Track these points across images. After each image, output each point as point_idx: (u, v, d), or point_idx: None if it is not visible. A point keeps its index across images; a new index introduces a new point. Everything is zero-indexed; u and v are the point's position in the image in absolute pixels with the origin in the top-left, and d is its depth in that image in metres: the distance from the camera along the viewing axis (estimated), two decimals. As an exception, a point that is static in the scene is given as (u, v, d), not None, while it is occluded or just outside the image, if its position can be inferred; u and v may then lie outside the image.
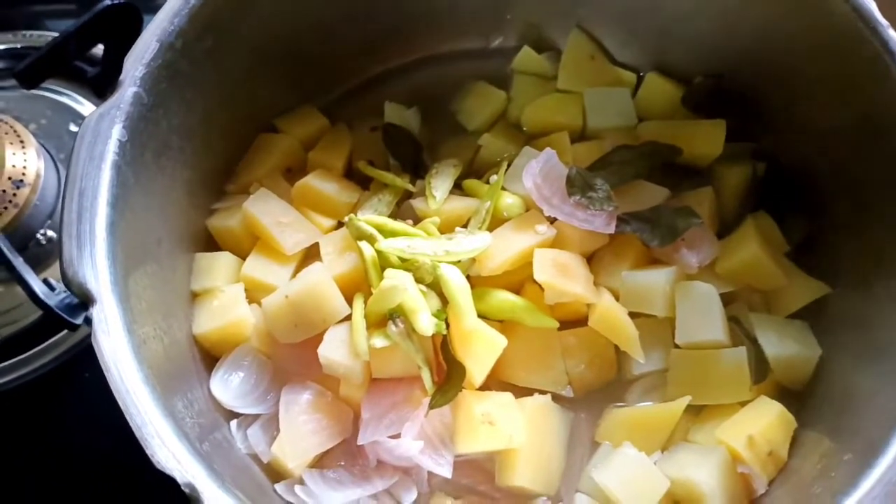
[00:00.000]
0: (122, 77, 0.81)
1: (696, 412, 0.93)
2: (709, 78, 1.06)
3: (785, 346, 0.93)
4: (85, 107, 1.25)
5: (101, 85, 0.84)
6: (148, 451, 0.68)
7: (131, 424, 0.68)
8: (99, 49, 1.15)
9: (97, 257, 0.74)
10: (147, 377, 0.72)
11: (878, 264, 0.88)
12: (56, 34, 1.05)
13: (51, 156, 1.15)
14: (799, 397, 0.93)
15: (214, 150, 0.99)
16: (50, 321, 0.98)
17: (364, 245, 0.92)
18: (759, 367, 0.92)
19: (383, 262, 0.92)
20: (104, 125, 0.78)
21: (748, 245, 0.96)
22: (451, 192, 1.01)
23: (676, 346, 0.94)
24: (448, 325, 0.90)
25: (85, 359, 1.07)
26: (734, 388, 0.91)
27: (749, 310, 0.97)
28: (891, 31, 0.83)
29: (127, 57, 0.81)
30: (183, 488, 0.67)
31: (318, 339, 0.89)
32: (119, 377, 0.70)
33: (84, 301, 0.73)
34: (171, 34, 0.84)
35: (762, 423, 0.87)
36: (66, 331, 1.08)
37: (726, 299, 0.95)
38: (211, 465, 0.70)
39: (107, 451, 1.03)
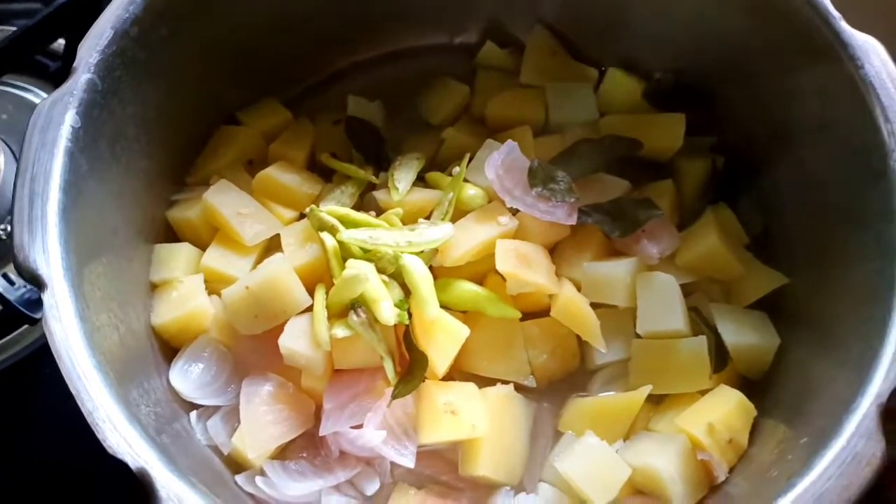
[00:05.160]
0: (75, 64, 0.80)
1: (657, 401, 0.94)
2: (669, 73, 1.08)
3: (744, 335, 0.94)
4: (47, 102, 1.24)
5: (63, 79, 0.83)
6: (99, 436, 0.67)
7: (82, 409, 0.67)
8: (60, 44, 1.15)
9: (49, 243, 0.73)
10: (100, 364, 0.71)
11: (832, 255, 0.90)
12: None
13: (12, 151, 1.13)
14: (757, 386, 0.94)
15: (172, 140, 0.98)
16: (9, 316, 0.98)
17: (325, 236, 0.92)
18: (719, 356, 0.93)
19: (345, 253, 0.92)
20: (57, 111, 0.78)
21: (708, 236, 0.97)
22: (414, 185, 1.01)
23: (638, 336, 0.95)
24: (410, 316, 0.90)
25: (45, 355, 1.05)
26: (694, 377, 0.92)
27: (709, 300, 0.98)
28: (843, 23, 0.84)
29: (81, 44, 0.80)
30: (136, 474, 0.66)
31: (278, 330, 0.89)
32: (70, 362, 0.69)
33: (36, 287, 0.72)
34: (126, 21, 0.83)
35: (722, 410, 0.88)
36: (26, 326, 1.07)
37: (686, 290, 0.96)
38: (166, 450, 0.69)
39: (67, 447, 1.02)
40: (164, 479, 0.67)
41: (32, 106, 1.23)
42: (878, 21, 0.88)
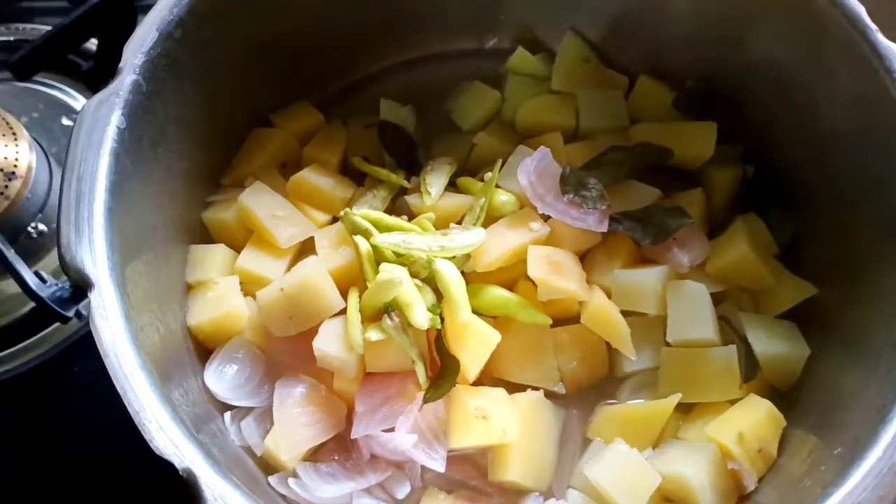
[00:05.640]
0: (121, 65, 0.80)
1: (686, 410, 0.94)
2: (700, 81, 1.08)
3: (774, 345, 0.94)
4: (78, 101, 1.25)
5: (96, 79, 0.84)
6: (146, 437, 0.67)
7: (129, 409, 0.68)
8: (93, 43, 1.16)
9: (95, 242, 0.74)
10: (145, 363, 0.71)
11: (863, 264, 0.90)
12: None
13: (42, 149, 1.14)
14: (786, 396, 0.94)
15: (210, 142, 0.99)
16: (41, 314, 0.99)
17: (359, 239, 0.92)
18: (749, 365, 0.93)
19: (378, 257, 0.92)
20: (103, 112, 0.78)
21: (738, 245, 0.97)
22: (446, 190, 1.02)
23: (667, 345, 0.95)
24: (442, 320, 0.90)
25: (74, 353, 1.07)
26: (724, 386, 0.92)
27: (738, 309, 0.98)
28: (879, 35, 0.84)
29: (126, 45, 0.81)
30: (181, 474, 0.66)
31: (312, 332, 0.89)
32: (117, 362, 0.70)
33: (81, 287, 0.73)
34: (171, 23, 0.84)
35: (752, 420, 0.88)
36: (56, 325, 1.07)
37: (716, 299, 0.96)
38: (209, 451, 0.70)
39: (95, 445, 1.03)
40: (210, 480, 0.67)
41: (62, 104, 1.25)
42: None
